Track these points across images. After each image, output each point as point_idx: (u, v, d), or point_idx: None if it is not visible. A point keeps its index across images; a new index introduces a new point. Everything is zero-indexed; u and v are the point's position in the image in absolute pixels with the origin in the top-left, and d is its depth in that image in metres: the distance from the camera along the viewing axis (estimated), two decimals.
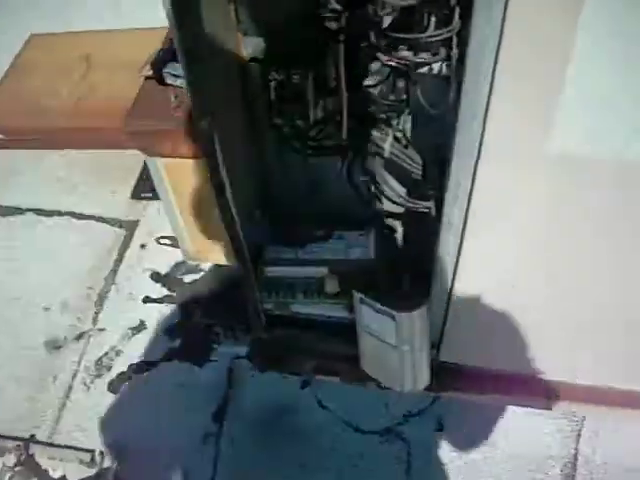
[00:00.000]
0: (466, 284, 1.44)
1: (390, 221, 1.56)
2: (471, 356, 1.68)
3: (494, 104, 1.03)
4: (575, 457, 1.97)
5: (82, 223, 2.67)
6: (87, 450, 2.11)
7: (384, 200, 1.53)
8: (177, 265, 2.48)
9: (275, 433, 2.08)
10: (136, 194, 2.71)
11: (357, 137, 1.39)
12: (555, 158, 1.10)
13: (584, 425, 2.01)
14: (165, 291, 2.44)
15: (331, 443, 2.06)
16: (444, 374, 1.73)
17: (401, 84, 1.28)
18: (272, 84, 1.28)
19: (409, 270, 1.50)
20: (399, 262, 1.50)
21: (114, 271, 2.52)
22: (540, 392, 1.82)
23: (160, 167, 1.45)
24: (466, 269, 1.39)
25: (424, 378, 1.62)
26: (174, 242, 2.14)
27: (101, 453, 2.11)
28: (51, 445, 2.15)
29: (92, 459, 2.09)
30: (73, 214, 2.70)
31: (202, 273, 2.42)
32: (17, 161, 2.89)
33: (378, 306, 1.47)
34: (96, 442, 2.14)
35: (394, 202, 1.50)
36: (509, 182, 1.17)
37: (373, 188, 1.50)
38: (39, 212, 2.72)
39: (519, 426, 2.02)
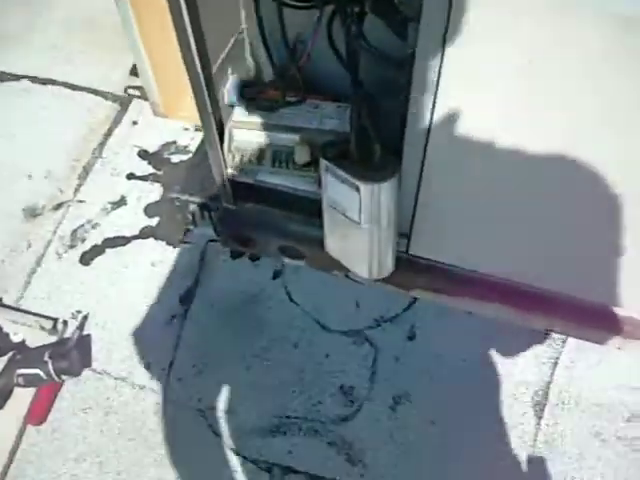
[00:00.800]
0: (439, 161, 1.31)
1: (368, 88, 1.42)
2: (445, 252, 1.56)
3: None
4: (548, 385, 1.86)
5: (77, 94, 2.56)
6: (50, 318, 2.06)
7: (364, 61, 1.38)
8: (166, 145, 2.38)
9: (240, 321, 2.01)
10: (136, 71, 2.57)
11: None
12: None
13: (563, 353, 1.90)
14: (151, 169, 2.35)
15: (296, 339, 1.97)
16: (414, 270, 1.61)
17: None
18: None
19: (382, 142, 1.36)
20: (374, 133, 1.37)
21: (102, 145, 2.42)
22: (519, 304, 1.70)
23: None
24: (439, 143, 1.26)
25: (388, 264, 1.51)
26: (143, 93, 2.03)
27: (64, 322, 2.07)
28: (16, 309, 2.10)
29: (54, 327, 2.04)
30: (68, 84, 2.59)
31: (190, 155, 2.32)
32: (10, 27, 2.78)
33: (343, 175, 1.35)
34: (61, 311, 2.09)
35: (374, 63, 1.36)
36: (487, 32, 1.03)
37: (354, 48, 1.36)
38: (34, 80, 2.62)
39: (494, 344, 1.92)
